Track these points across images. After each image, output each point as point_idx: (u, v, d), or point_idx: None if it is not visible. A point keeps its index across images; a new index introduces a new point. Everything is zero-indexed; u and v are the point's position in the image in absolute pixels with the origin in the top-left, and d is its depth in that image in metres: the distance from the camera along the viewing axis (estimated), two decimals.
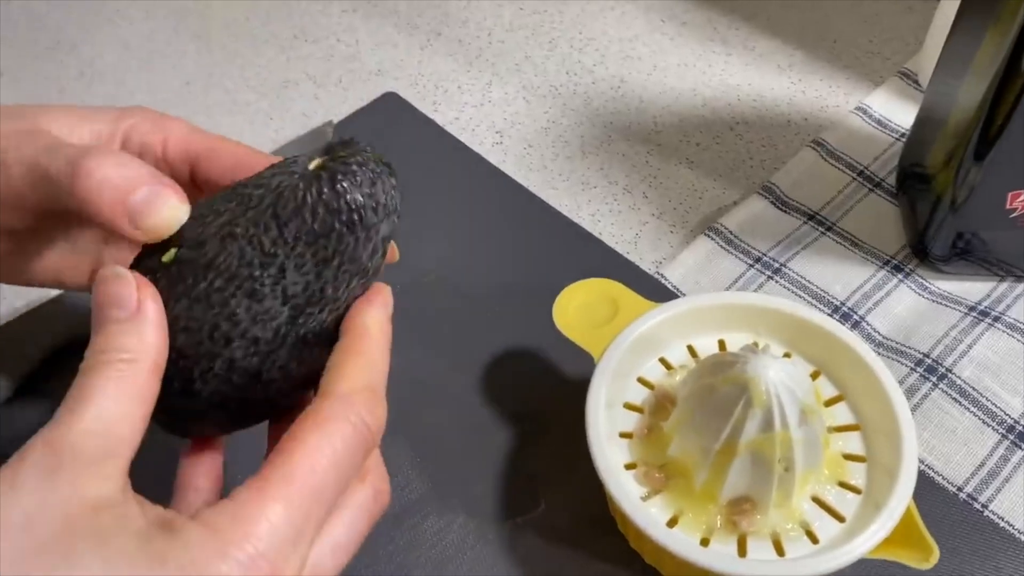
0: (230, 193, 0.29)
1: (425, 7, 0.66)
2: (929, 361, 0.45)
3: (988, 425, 0.43)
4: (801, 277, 0.49)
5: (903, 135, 0.55)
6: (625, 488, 0.35)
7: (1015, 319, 0.47)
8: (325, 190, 0.28)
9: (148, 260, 0.29)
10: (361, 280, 0.30)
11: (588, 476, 0.36)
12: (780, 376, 0.34)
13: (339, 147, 0.29)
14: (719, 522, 0.36)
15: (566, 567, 0.39)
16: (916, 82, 0.58)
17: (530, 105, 0.59)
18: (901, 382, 0.44)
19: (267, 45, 0.64)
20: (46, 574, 0.22)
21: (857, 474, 0.37)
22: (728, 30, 0.64)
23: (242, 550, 0.24)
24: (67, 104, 0.30)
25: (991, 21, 0.41)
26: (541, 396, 0.45)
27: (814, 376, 0.40)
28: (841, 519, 0.36)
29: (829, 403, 0.39)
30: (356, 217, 0.28)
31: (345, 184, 0.28)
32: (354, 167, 0.28)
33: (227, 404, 0.30)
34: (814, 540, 0.35)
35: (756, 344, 0.40)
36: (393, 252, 0.32)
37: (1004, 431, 0.43)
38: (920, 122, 0.50)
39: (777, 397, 0.34)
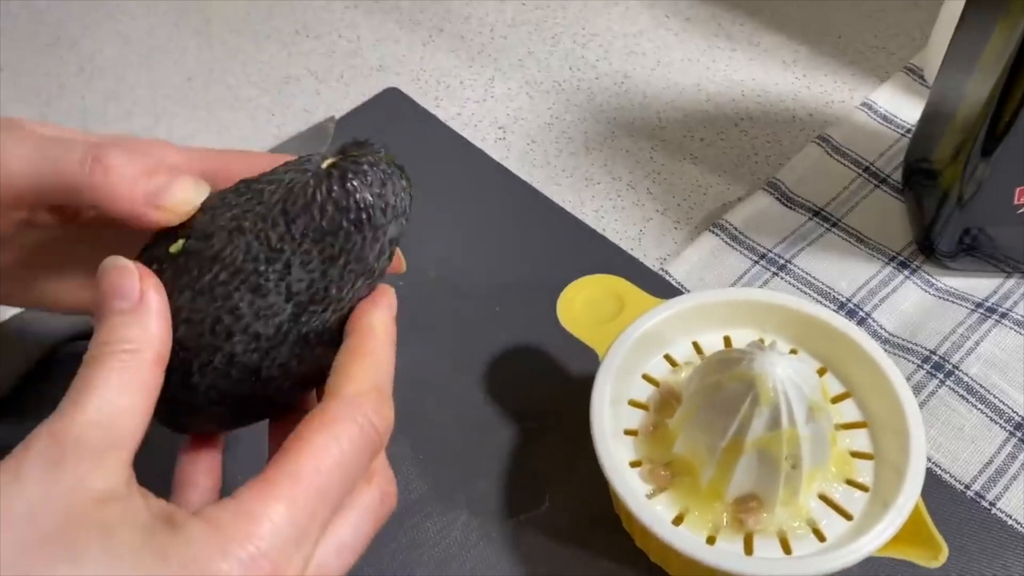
0: (243, 188, 0.29)
1: (427, 3, 0.66)
2: (936, 358, 0.45)
3: (995, 422, 0.43)
4: (806, 273, 0.49)
5: (909, 131, 0.55)
6: (630, 486, 0.35)
7: (1022, 316, 0.46)
8: (335, 188, 0.28)
9: (155, 250, 0.29)
10: (367, 281, 0.29)
11: (592, 474, 0.36)
12: (787, 373, 0.33)
13: (353, 147, 0.29)
14: (725, 520, 0.36)
15: (570, 565, 0.39)
16: (922, 77, 0.58)
17: (533, 101, 0.59)
18: (908, 379, 0.44)
19: (269, 41, 0.63)
20: (50, 566, 0.22)
21: (864, 472, 0.37)
22: (732, 26, 0.64)
23: (244, 548, 0.24)
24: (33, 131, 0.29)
25: (1000, 15, 0.41)
26: (544, 393, 0.44)
27: (821, 373, 0.40)
28: (848, 517, 0.36)
29: (836, 400, 0.39)
30: (364, 216, 0.28)
31: (355, 183, 0.28)
32: (365, 166, 0.28)
33: (224, 399, 0.30)
34: (821, 538, 0.35)
35: (762, 340, 0.40)
36: (399, 262, 0.32)
37: (1012, 428, 0.42)
38: (927, 117, 0.50)
39: (784, 394, 0.33)
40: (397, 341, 0.30)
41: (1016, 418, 0.43)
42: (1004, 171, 0.43)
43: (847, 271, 0.49)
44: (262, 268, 0.28)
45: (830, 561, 0.33)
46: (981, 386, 0.44)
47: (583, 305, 0.40)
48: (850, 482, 0.37)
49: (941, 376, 0.44)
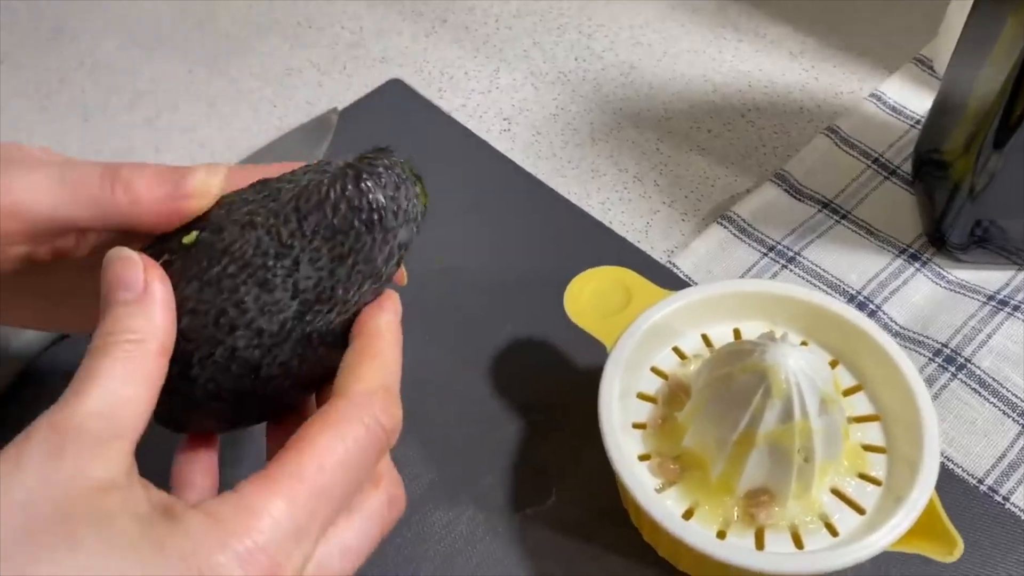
0: (260, 186, 0.30)
1: None
2: (948, 351, 0.44)
3: (1008, 416, 0.42)
4: (816, 266, 0.48)
5: (918, 122, 0.54)
6: (639, 479, 0.35)
7: None
8: (349, 187, 0.28)
9: (168, 243, 0.30)
10: (373, 285, 0.29)
11: (599, 468, 0.36)
12: (800, 364, 0.33)
13: (373, 152, 0.29)
14: (736, 514, 0.35)
15: (577, 560, 0.39)
16: (931, 69, 0.57)
17: (538, 92, 0.58)
18: (919, 372, 0.43)
19: (270, 32, 0.63)
20: (47, 554, 0.22)
21: (877, 465, 0.36)
22: (739, 17, 0.63)
23: (242, 542, 0.23)
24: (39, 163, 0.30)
25: (1012, 6, 0.40)
26: (551, 386, 0.44)
27: (832, 365, 0.39)
28: (861, 511, 0.35)
29: (847, 393, 0.39)
30: (376, 217, 0.28)
31: (369, 183, 0.28)
32: (380, 169, 0.28)
33: (222, 394, 0.29)
34: (834, 533, 0.35)
35: (773, 332, 0.39)
36: (401, 275, 0.32)
37: None
38: (938, 108, 0.49)
39: (797, 386, 0.33)
40: (402, 335, 0.30)
41: None
42: (1017, 162, 0.42)
43: (857, 263, 0.48)
44: (271, 263, 0.28)
45: (843, 556, 0.33)
46: (993, 379, 0.43)
47: (590, 297, 0.40)
48: (863, 476, 0.36)
49: (953, 369, 0.44)
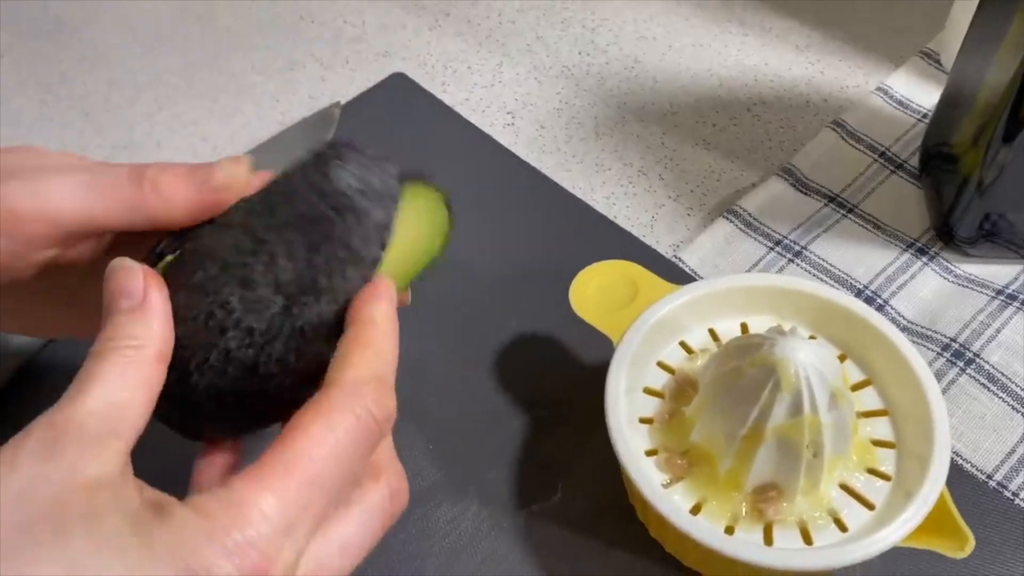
0: (257, 192, 0.30)
1: None
2: (956, 346, 0.44)
3: (1018, 411, 0.42)
4: (823, 260, 0.48)
5: (925, 116, 0.54)
6: (646, 475, 0.34)
7: None
8: (314, 174, 0.28)
9: (161, 251, 0.30)
10: (359, 270, 0.29)
11: (606, 463, 0.35)
12: (810, 358, 0.33)
13: (342, 143, 0.29)
14: (744, 510, 0.35)
15: (583, 556, 0.38)
16: (938, 62, 0.57)
17: (542, 86, 0.58)
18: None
19: (272, 27, 0.63)
20: (35, 548, 0.22)
21: (886, 460, 0.36)
22: (744, 10, 0.63)
23: (230, 536, 0.23)
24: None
25: (1021, 0, 0.40)
26: (556, 381, 0.43)
27: (841, 359, 0.39)
28: (871, 507, 0.35)
29: (856, 388, 0.38)
30: (344, 201, 0.28)
31: (334, 168, 0.28)
32: (344, 151, 0.28)
33: (225, 398, 0.29)
34: (843, 528, 0.34)
35: (781, 327, 0.39)
36: (405, 296, 0.32)
37: None
38: (945, 102, 0.49)
39: (807, 380, 0.32)
40: (403, 328, 0.30)
41: None
42: None
43: (864, 258, 0.48)
44: (249, 260, 0.28)
45: (853, 552, 0.32)
46: (1003, 374, 0.43)
47: (596, 292, 0.40)
48: (872, 471, 0.36)
49: (961, 364, 0.43)
